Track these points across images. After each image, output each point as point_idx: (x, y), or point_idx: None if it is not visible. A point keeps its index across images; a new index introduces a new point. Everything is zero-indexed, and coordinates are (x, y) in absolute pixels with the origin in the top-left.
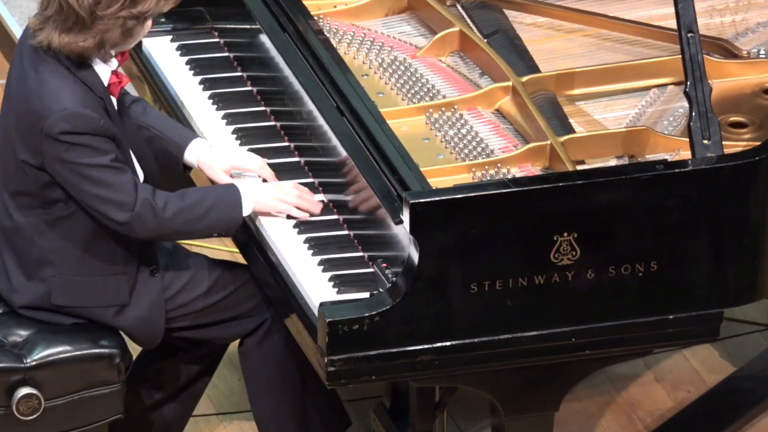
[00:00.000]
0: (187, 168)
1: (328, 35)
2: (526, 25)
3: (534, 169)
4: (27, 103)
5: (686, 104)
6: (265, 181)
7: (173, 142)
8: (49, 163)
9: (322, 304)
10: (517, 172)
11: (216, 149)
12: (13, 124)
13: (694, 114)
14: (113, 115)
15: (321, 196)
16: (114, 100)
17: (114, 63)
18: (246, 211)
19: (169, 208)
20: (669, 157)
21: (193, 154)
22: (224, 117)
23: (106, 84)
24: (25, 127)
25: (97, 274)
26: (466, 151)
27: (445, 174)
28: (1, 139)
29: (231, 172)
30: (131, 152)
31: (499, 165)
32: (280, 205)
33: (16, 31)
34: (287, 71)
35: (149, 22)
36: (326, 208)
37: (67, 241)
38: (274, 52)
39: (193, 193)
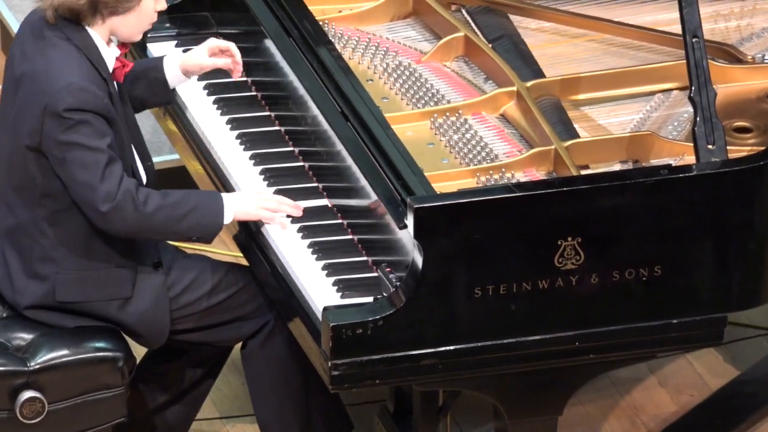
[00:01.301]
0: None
1: (333, 40)
2: (531, 30)
3: (538, 174)
4: (33, 83)
5: (691, 109)
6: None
7: (151, 67)
8: (45, 141)
9: (325, 309)
10: (521, 176)
11: (188, 52)
12: (17, 110)
13: (698, 119)
14: (115, 99)
15: (325, 201)
16: (116, 86)
17: (116, 51)
18: (227, 219)
19: (150, 203)
20: (673, 162)
21: (172, 67)
22: (229, 122)
23: (111, 68)
24: (28, 105)
25: (99, 268)
26: (470, 155)
27: (449, 179)
28: (5, 132)
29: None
30: (133, 147)
31: (503, 170)
32: (262, 212)
33: None
34: (292, 76)
35: (147, 5)
36: (330, 213)
37: (68, 237)
38: (278, 57)
39: (176, 193)
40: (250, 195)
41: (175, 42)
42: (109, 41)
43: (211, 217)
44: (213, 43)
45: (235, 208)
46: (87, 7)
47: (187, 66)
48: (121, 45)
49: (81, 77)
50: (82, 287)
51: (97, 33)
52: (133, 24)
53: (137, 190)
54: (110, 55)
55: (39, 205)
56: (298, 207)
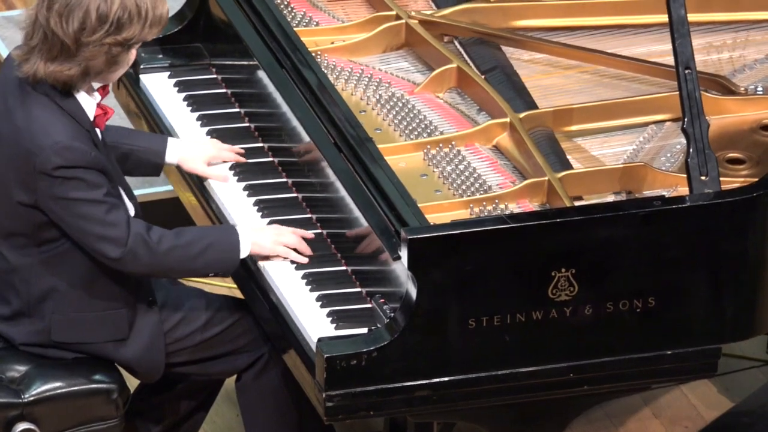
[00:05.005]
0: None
1: (325, 71)
2: (523, 61)
3: (532, 205)
4: (17, 142)
5: (684, 140)
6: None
7: (151, 150)
8: (42, 200)
9: (320, 340)
10: (514, 208)
11: (191, 145)
12: (3, 164)
13: (691, 150)
14: (101, 147)
15: (319, 232)
16: (99, 132)
17: (97, 96)
18: (243, 253)
19: (164, 244)
20: (666, 194)
21: (173, 156)
22: None
23: (91, 117)
24: (17, 165)
25: (96, 310)
26: (463, 187)
27: (442, 210)
28: None
29: (209, 162)
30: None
31: (496, 201)
32: (278, 248)
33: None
34: (285, 107)
35: (134, 52)
36: (324, 244)
37: (65, 279)
38: (271, 88)
39: (190, 231)
40: (267, 229)
41: (168, 73)
42: (89, 89)
43: (228, 253)
44: (213, 153)
45: (251, 239)
46: (78, 76)
47: (184, 166)
48: (101, 89)
49: (65, 135)
50: (78, 329)
51: (79, 88)
52: (116, 75)
53: (148, 232)
54: (91, 104)
55: (35, 247)
56: (305, 241)
